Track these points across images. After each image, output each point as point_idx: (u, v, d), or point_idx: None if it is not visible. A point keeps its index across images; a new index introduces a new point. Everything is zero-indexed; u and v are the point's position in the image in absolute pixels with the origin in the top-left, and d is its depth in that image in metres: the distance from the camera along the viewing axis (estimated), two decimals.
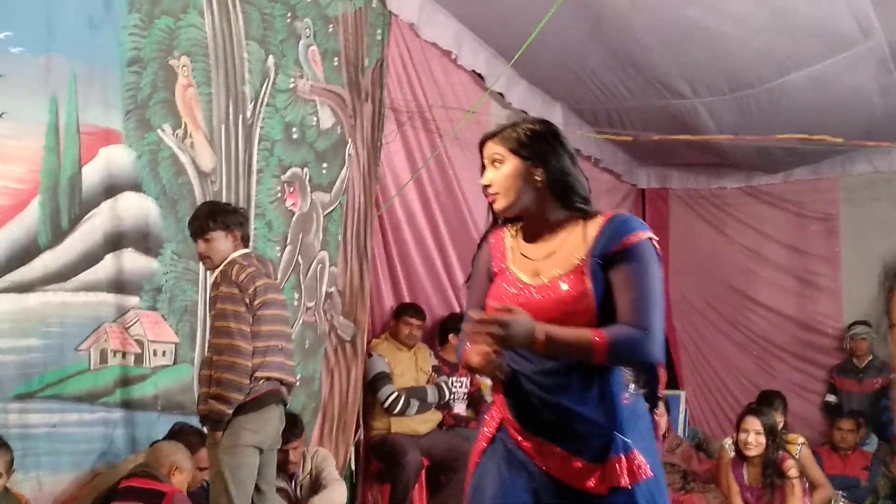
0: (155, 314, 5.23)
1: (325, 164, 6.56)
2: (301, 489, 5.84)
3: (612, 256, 2.83)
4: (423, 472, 6.68)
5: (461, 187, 7.80)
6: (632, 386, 2.95)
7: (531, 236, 3.03)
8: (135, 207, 5.14)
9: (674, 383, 10.28)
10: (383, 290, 7.27)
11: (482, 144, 3.06)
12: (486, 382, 7.59)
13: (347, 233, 6.75)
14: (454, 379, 7.22)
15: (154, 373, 5.20)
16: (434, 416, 6.98)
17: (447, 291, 7.74)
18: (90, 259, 4.91)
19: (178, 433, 5.03)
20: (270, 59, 6.11)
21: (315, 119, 6.47)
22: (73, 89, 4.87)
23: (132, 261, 5.11)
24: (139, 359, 5.12)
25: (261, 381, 4.60)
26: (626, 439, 2.86)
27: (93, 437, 4.93)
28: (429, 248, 7.58)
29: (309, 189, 6.41)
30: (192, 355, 5.39)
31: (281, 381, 4.73)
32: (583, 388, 2.85)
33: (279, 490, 5.42)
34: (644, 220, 10.13)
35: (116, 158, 5.08)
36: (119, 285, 5.04)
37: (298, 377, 5.56)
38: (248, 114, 5.94)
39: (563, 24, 6.77)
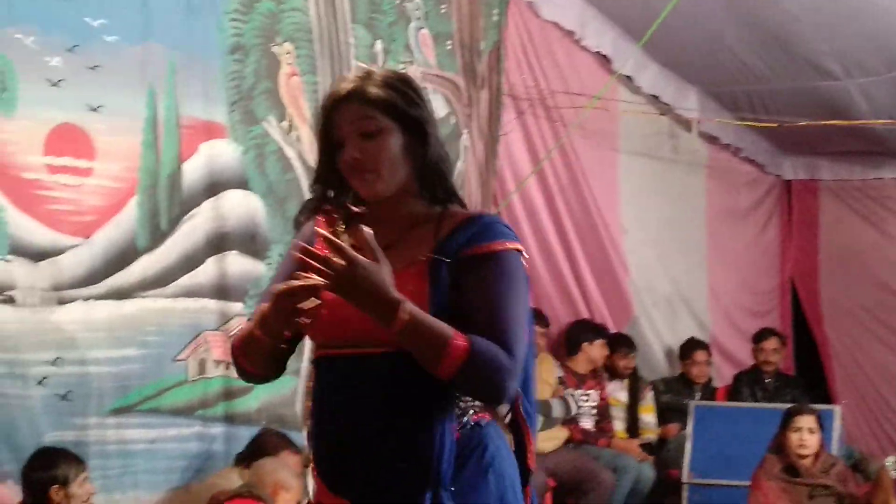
0: None
1: None
2: None
3: (466, 260, 2.28)
4: (549, 493, 6.60)
5: (587, 181, 7.71)
6: (471, 411, 2.32)
7: (369, 225, 2.30)
8: (240, 206, 5.16)
9: (826, 397, 10.00)
10: None
11: (336, 102, 2.35)
12: (618, 397, 7.50)
13: None
14: (581, 392, 7.12)
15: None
16: (560, 433, 6.90)
17: (574, 296, 7.66)
18: (191, 262, 4.95)
19: (263, 438, 5.02)
20: (378, 44, 6.08)
21: None
22: (171, 80, 4.92)
23: (236, 264, 5.14)
24: None
25: None
26: (443, 499, 2.25)
27: (190, 452, 4.98)
28: (553, 249, 7.51)
29: None
30: (298, 366, 5.38)
31: None
32: (387, 422, 2.26)
33: None
34: (790, 215, 10.17)
35: (219, 154, 5.11)
36: (222, 290, 5.07)
37: None
38: None
39: None
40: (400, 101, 2.32)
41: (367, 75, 2.35)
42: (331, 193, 2.42)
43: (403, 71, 2.46)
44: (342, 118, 2.32)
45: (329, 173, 2.39)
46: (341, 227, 2.29)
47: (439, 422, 2.26)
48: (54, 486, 4.08)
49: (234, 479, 4.75)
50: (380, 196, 2.33)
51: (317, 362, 2.41)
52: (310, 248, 2.15)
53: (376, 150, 2.30)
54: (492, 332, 2.21)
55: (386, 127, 2.31)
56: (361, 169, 2.30)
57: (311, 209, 2.48)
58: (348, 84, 2.34)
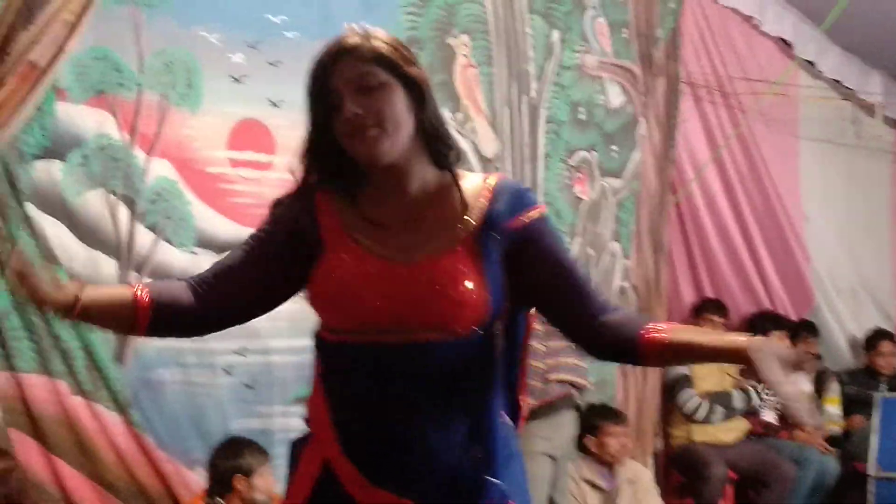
0: None
1: (614, 147, 6.40)
2: (618, 496, 5.55)
3: (516, 232, 2.15)
4: (730, 486, 6.41)
5: (767, 168, 7.55)
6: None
7: (379, 200, 2.20)
8: None
9: None
10: (681, 285, 7.05)
11: (332, 60, 2.13)
12: (802, 388, 7.24)
13: (641, 222, 6.56)
14: (763, 383, 6.87)
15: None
16: (741, 425, 6.69)
17: (755, 285, 7.49)
18: None
19: None
20: (555, 34, 6.00)
21: (603, 98, 6.33)
22: None
23: None
24: None
25: (552, 384, 4.48)
26: (502, 486, 2.18)
27: None
28: (733, 238, 7.36)
29: (598, 174, 6.27)
30: None
31: (573, 384, 4.58)
32: (448, 412, 2.13)
33: (593, 486, 5.32)
34: None
35: None
36: None
37: (591, 381, 5.40)
38: (533, 94, 5.84)
39: None
40: (399, 58, 2.13)
41: (362, 33, 2.14)
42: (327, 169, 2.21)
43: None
44: (339, 76, 2.10)
45: (324, 146, 2.17)
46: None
47: (495, 409, 2.19)
48: (238, 475, 4.08)
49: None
50: (384, 157, 2.11)
51: (337, 346, 2.18)
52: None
53: (379, 104, 2.09)
54: (589, 293, 2.17)
55: (387, 82, 2.10)
56: (363, 125, 2.08)
57: (302, 189, 2.24)
58: (344, 41, 2.13)
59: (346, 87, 2.09)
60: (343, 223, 2.18)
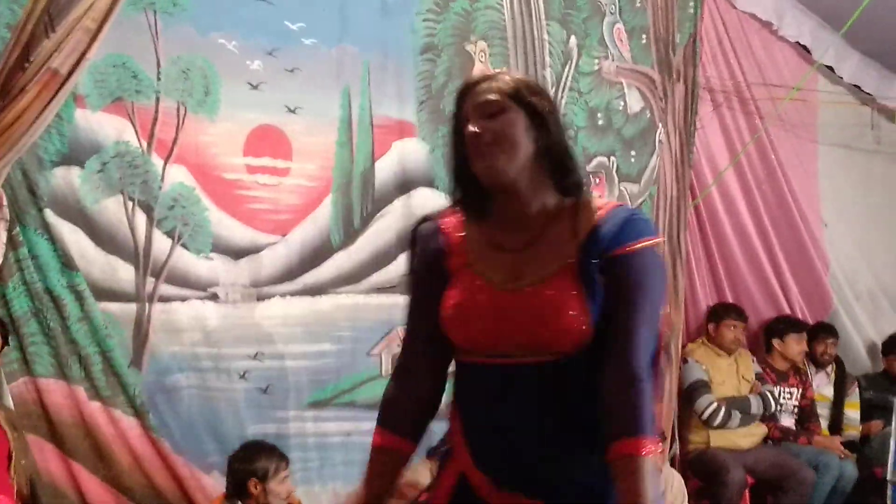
0: None
1: (633, 152, 6.35)
2: None
3: (614, 259, 2.23)
4: (748, 491, 6.34)
5: (785, 174, 7.44)
6: None
7: (502, 223, 2.35)
8: (428, 204, 5.06)
9: None
10: (698, 289, 6.99)
11: (466, 91, 2.35)
12: (823, 392, 7.17)
13: (658, 226, 6.50)
14: (781, 388, 6.83)
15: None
16: (758, 430, 6.62)
17: (774, 290, 7.36)
18: (383, 259, 4.92)
19: None
20: (573, 40, 5.95)
21: (622, 103, 6.29)
22: (365, 81, 4.90)
23: None
24: None
25: None
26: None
27: None
28: (752, 243, 7.25)
29: (616, 179, 6.23)
30: None
31: None
32: (565, 425, 2.26)
33: None
34: None
35: (410, 152, 5.08)
36: None
37: None
38: None
39: None
40: (524, 88, 2.31)
41: (495, 73, 2.36)
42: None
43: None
44: (469, 104, 2.31)
45: (463, 172, 2.35)
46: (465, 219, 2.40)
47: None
48: (252, 479, 4.07)
49: (425, 474, 4.67)
50: (500, 174, 2.26)
51: (463, 366, 2.39)
52: None
53: (497, 125, 2.26)
54: (628, 361, 2.18)
55: (508, 107, 2.27)
56: (481, 142, 2.26)
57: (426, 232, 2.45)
58: (477, 78, 2.35)
59: (472, 112, 2.29)
60: (467, 249, 2.36)
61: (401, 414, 2.42)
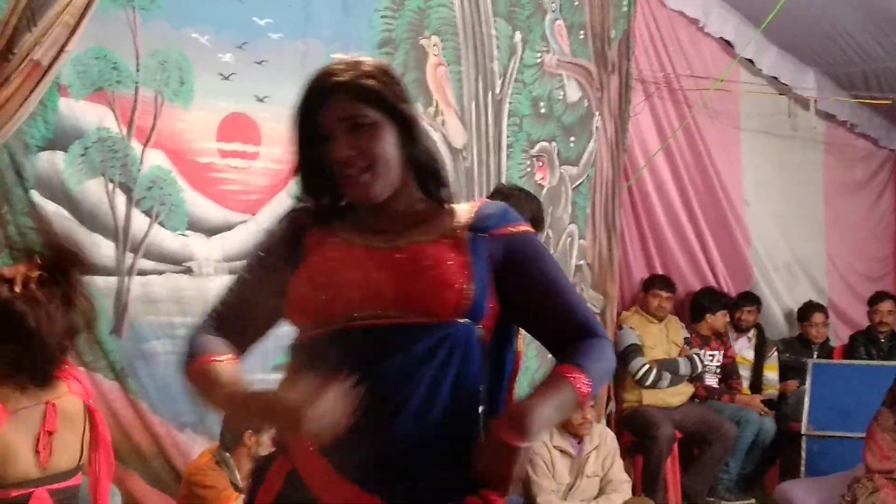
0: None
1: (572, 138, 6.36)
2: (586, 463, 5.41)
3: (504, 238, 1.95)
4: (676, 444, 6.40)
5: (711, 157, 7.50)
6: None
7: (365, 214, 1.99)
8: None
9: None
10: (632, 262, 7.04)
11: (321, 94, 1.91)
12: (745, 355, 7.25)
13: (596, 206, 6.54)
14: (706, 351, 6.89)
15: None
16: (686, 389, 6.69)
17: (700, 263, 7.44)
18: None
19: None
20: (518, 35, 5.96)
21: (562, 93, 6.29)
22: None
23: None
24: None
25: None
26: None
27: None
28: (680, 220, 7.32)
29: (557, 163, 6.23)
30: None
31: None
32: (430, 410, 1.84)
33: (562, 452, 5.29)
34: None
35: None
36: None
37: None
38: (497, 90, 5.81)
39: None
40: (389, 94, 1.92)
41: (353, 66, 1.92)
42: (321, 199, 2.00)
43: (386, 65, 2.03)
44: (330, 114, 1.90)
45: (312, 174, 1.96)
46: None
47: (479, 423, 1.90)
48: (249, 431, 4.06)
49: None
50: (376, 199, 1.93)
51: (313, 341, 1.91)
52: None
53: (369, 144, 1.89)
54: (575, 317, 1.95)
55: (378, 120, 1.90)
56: (354, 167, 1.89)
57: (295, 216, 2.04)
58: (334, 76, 1.91)
59: (338, 125, 1.89)
60: (327, 230, 1.98)
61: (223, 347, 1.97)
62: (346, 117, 1.89)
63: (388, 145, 1.91)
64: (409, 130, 1.94)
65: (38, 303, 2.70)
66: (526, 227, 2.01)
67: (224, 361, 1.92)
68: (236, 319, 2.01)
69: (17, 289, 2.69)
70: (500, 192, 4.54)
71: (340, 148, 1.89)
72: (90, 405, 3.02)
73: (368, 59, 1.98)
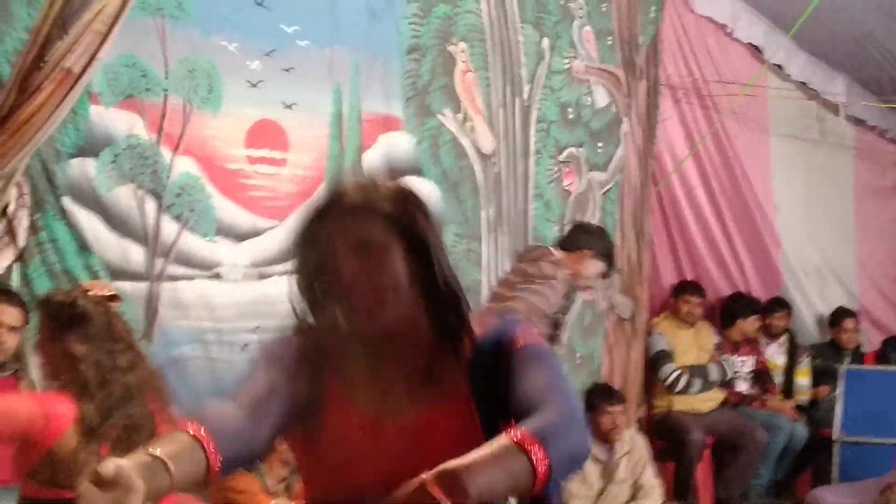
0: None
1: (600, 144, 6.32)
2: (617, 468, 5.42)
3: (498, 372, 1.75)
4: (709, 450, 6.35)
5: (740, 162, 7.47)
6: None
7: (365, 364, 1.79)
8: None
9: None
10: (661, 268, 7.00)
11: (329, 212, 1.76)
12: (776, 361, 7.19)
13: (624, 211, 6.50)
14: (737, 357, 6.84)
15: None
16: (717, 395, 6.64)
17: (730, 268, 7.42)
18: None
19: None
20: (545, 41, 5.93)
21: (590, 99, 6.26)
22: (354, 79, 4.87)
23: None
24: None
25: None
26: None
27: None
28: (709, 225, 7.30)
29: (585, 169, 6.20)
30: None
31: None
32: None
33: (593, 458, 5.23)
34: None
35: (396, 144, 5.05)
36: None
37: (578, 355, 5.37)
38: (525, 96, 5.80)
39: None
40: (404, 216, 1.73)
41: (368, 186, 1.77)
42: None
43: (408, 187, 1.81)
44: (335, 231, 1.72)
45: (316, 301, 1.76)
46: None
47: None
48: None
49: None
50: (382, 330, 1.73)
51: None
52: None
53: (377, 272, 1.71)
54: (541, 398, 1.66)
55: (390, 246, 1.72)
56: (360, 294, 1.70)
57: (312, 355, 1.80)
58: (348, 196, 1.75)
59: (343, 246, 1.71)
60: (343, 385, 1.78)
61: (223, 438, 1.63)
62: (355, 240, 1.71)
63: (399, 273, 1.72)
64: (426, 259, 1.74)
65: None
66: (526, 339, 1.79)
67: (190, 433, 1.59)
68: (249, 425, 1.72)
69: None
70: (582, 228, 4.61)
71: (346, 272, 1.70)
72: None
73: (390, 182, 1.82)
